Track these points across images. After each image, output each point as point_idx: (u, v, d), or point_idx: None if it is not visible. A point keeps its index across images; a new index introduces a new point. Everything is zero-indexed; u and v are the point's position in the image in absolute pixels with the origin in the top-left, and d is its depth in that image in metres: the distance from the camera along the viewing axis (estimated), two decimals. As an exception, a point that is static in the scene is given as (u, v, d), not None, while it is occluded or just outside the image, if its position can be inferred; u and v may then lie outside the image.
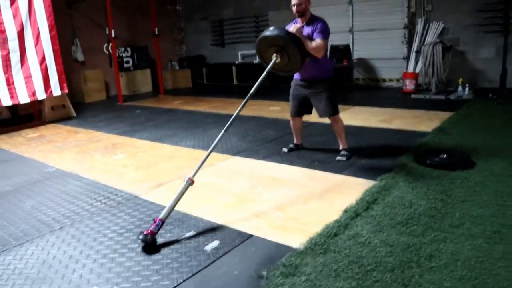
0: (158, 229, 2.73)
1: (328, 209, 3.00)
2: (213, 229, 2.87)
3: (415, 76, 7.57)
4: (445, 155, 3.81)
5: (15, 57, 6.31)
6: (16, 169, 4.60)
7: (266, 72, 3.57)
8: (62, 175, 4.30)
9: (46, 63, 6.66)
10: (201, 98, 9.13)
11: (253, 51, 10.54)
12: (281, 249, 2.51)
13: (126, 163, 4.57)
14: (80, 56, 9.82)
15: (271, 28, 3.59)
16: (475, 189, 3.15)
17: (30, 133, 6.49)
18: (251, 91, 3.48)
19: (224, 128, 3.33)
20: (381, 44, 8.50)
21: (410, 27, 8.07)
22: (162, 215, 2.80)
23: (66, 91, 7.11)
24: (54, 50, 6.73)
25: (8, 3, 6.18)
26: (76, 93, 9.69)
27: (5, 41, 6.18)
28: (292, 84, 4.32)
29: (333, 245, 2.47)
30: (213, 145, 3.25)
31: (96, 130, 6.42)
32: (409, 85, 7.59)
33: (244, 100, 3.43)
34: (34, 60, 6.51)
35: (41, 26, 6.54)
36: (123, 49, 10.38)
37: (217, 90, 10.19)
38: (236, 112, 3.37)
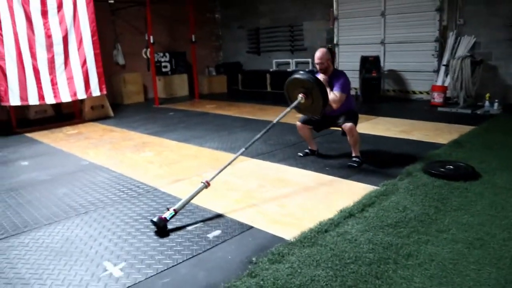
0: (171, 218, 3.05)
1: (326, 209, 3.20)
2: (218, 220, 3.15)
3: (443, 89, 7.56)
4: (451, 166, 3.91)
5: (59, 59, 6.93)
6: (54, 162, 5.11)
7: (290, 108, 4.01)
8: (94, 168, 4.75)
9: (87, 66, 7.25)
10: (233, 103, 9.49)
11: (287, 60, 10.87)
12: (274, 240, 2.76)
13: (152, 160, 4.96)
14: (121, 60, 10.48)
15: (302, 72, 4.06)
16: (472, 199, 3.25)
17: (70, 130, 7.08)
18: (274, 121, 3.89)
19: (245, 147, 3.66)
20: (412, 57, 8.53)
21: (441, 41, 8.06)
22: (176, 206, 3.12)
23: (105, 92, 7.67)
24: (95, 54, 7.32)
25: (56, 10, 6.82)
26: (116, 95, 10.38)
27: (51, 45, 6.82)
28: None
29: (321, 240, 2.68)
30: (232, 158, 3.55)
31: (130, 129, 6.90)
32: (437, 98, 7.58)
33: (265, 130, 3.83)
34: (76, 62, 7.11)
35: (84, 32, 7.15)
36: (162, 54, 10.96)
37: (250, 96, 10.53)
38: (257, 136, 3.70)
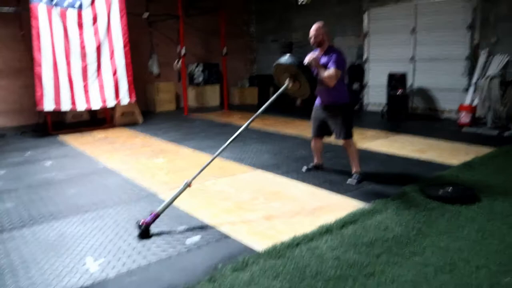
0: (152, 221, 3.21)
1: (309, 224, 3.23)
2: (201, 228, 3.27)
3: (471, 109, 7.29)
4: (450, 189, 3.81)
5: (92, 68, 7.40)
6: (74, 163, 5.46)
7: (278, 94, 3.95)
8: (107, 171, 5.03)
9: (118, 75, 7.68)
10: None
11: (316, 74, 10.86)
12: (246, 250, 2.83)
13: (162, 167, 5.18)
14: (155, 70, 10.94)
15: (286, 56, 3.94)
16: (461, 224, 3.16)
17: (98, 134, 7.51)
18: (261, 109, 3.86)
19: (222, 147, 3.72)
20: (442, 75, 8.30)
21: (472, 59, 7.79)
22: (158, 209, 3.28)
23: (134, 100, 8.06)
24: (126, 64, 7.75)
25: (91, 23, 7.32)
26: (149, 103, 10.86)
27: (85, 54, 7.31)
28: (314, 108, 4.60)
29: (289, 253, 2.73)
30: (210, 159, 3.65)
31: (152, 136, 7.22)
32: (465, 117, 7.32)
33: (248, 122, 3.82)
34: (108, 71, 7.56)
35: (116, 43, 7.59)
36: (195, 66, 11.34)
37: (278, 109, 10.56)
38: (238, 132, 3.76)
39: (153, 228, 3.22)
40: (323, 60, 4.16)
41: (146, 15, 9.49)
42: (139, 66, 10.51)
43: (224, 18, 10.38)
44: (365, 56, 9.68)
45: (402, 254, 2.69)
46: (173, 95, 11.09)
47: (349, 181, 4.30)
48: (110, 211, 3.69)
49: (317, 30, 4.12)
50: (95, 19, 7.36)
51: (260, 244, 2.92)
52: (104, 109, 8.53)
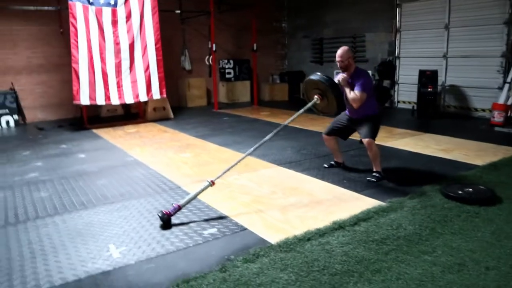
0: (174, 213, 3.38)
1: (322, 219, 3.30)
2: (220, 220, 3.41)
3: (504, 108, 7.05)
4: (470, 189, 3.76)
5: (125, 64, 7.71)
6: (106, 156, 5.75)
7: (305, 109, 4.18)
8: (135, 164, 5.27)
9: (149, 71, 7.96)
10: (288, 111, 9.66)
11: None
12: (259, 243, 2.94)
13: (187, 161, 5.37)
14: (187, 65, 11.21)
15: (318, 73, 4.13)
16: (478, 224, 3.13)
17: (130, 129, 7.82)
18: (285, 122, 4.08)
19: (252, 149, 3.82)
20: (475, 72, 8.05)
21: (509, 56, 7.52)
22: (181, 202, 3.45)
23: (165, 95, 8.33)
24: (157, 60, 8.01)
25: (124, 20, 7.62)
26: (181, 98, 11.14)
27: (118, 51, 7.61)
28: (343, 113, 4.62)
29: (300, 247, 2.82)
30: (238, 159, 3.77)
31: (181, 131, 7.44)
32: (498, 117, 7.09)
33: (274, 131, 4.08)
34: (140, 67, 7.85)
35: (149, 40, 7.86)
36: (226, 61, 11.51)
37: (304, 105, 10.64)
38: (266, 138, 3.91)
39: (174, 220, 3.39)
40: (351, 81, 4.25)
41: (178, 11, 9.72)
42: (171, 62, 10.81)
43: (255, 14, 10.46)
44: (396, 53, 9.51)
45: (411, 253, 2.72)
46: (204, 90, 11.32)
47: (369, 178, 4.32)
48: (135, 202, 3.90)
49: (342, 55, 4.20)
50: (128, 17, 7.65)
51: (273, 237, 3.02)
52: (137, 104, 8.87)
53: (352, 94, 4.16)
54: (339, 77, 4.25)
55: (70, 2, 7.11)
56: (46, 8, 8.08)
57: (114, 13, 7.51)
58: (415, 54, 9.08)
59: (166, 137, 6.96)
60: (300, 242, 2.88)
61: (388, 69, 9.48)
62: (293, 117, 4.16)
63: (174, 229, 3.28)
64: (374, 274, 2.46)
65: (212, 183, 3.59)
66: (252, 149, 3.97)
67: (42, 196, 4.14)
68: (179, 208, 3.43)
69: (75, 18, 7.16)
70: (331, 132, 4.65)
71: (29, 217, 3.60)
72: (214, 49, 9.83)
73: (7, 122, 8.40)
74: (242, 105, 11.03)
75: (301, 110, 4.13)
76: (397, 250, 2.76)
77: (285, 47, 13.14)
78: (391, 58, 9.60)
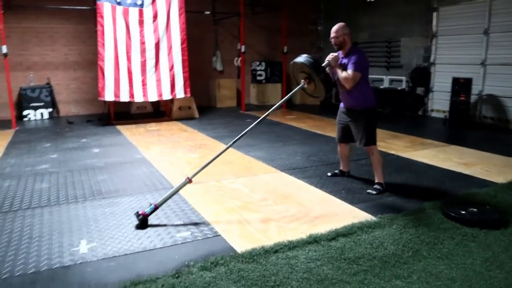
0: (151, 213, 3.34)
1: (302, 231, 3.13)
2: (198, 224, 3.34)
3: (545, 122, 6.44)
4: (474, 209, 3.43)
5: (150, 63, 7.85)
6: (117, 152, 5.86)
7: (292, 93, 4.00)
8: (142, 161, 5.33)
9: (174, 70, 8.06)
10: (313, 116, 9.47)
11: (382, 76, 10.41)
12: (226, 251, 2.83)
13: (192, 161, 5.34)
14: (219, 66, 11.27)
15: (304, 55, 3.81)
16: (472, 250, 2.83)
17: (152, 126, 7.95)
18: (271, 110, 3.85)
19: (231, 143, 3.72)
20: (518, 82, 7.44)
21: (555, 65, 6.87)
22: (158, 202, 3.41)
23: (189, 95, 8.40)
24: (182, 60, 8.09)
25: (151, 20, 7.76)
26: (211, 98, 11.21)
27: (144, 50, 7.77)
28: (338, 111, 4.43)
29: (263, 259, 2.67)
30: (215, 156, 3.68)
31: (200, 131, 7.46)
32: (537, 131, 6.49)
33: (255, 122, 3.84)
34: (165, 67, 7.97)
35: (174, 40, 7.96)
36: (258, 63, 11.45)
37: (336, 111, 10.34)
38: (245, 131, 3.77)
39: (154, 220, 3.36)
40: (344, 61, 3.98)
41: (208, 12, 9.79)
42: (203, 62, 10.93)
43: (290, 16, 10.33)
44: (431, 59, 9.01)
45: (382, 276, 2.50)
46: (234, 91, 11.32)
47: (369, 191, 4.07)
48: (125, 199, 3.91)
49: (337, 31, 3.96)
50: (155, 17, 7.80)
51: (242, 246, 2.90)
52: (165, 103, 9.02)
53: (344, 73, 3.87)
54: (329, 58, 3.96)
55: (98, 2, 7.36)
56: (81, 7, 8.42)
57: (141, 13, 7.68)
58: (452, 61, 8.54)
59: (183, 136, 7.00)
60: (266, 254, 2.74)
61: (422, 75, 8.99)
62: (276, 105, 4.03)
63: (149, 229, 3.24)
64: (330, 295, 2.28)
65: (189, 181, 3.51)
66: (230, 144, 3.91)
67: (42, 187, 4.26)
68: (156, 208, 3.39)
69: (102, 18, 7.39)
70: (342, 138, 4.40)
71: (21, 207, 3.72)
72: (243, 50, 9.79)
73: (42, 115, 8.84)
74: (270, 108, 10.86)
75: (288, 96, 4.01)
76: (368, 271, 2.54)
77: (321, 50, 12.87)
78: (426, 64, 9.09)
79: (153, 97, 8.01)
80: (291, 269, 2.56)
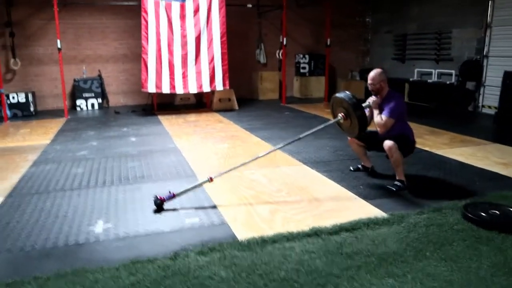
0: (168, 199, 3.52)
1: (307, 224, 3.13)
2: (208, 210, 3.45)
3: None
4: (497, 211, 3.24)
5: (191, 56, 8.10)
6: (152, 141, 6.14)
7: (325, 125, 4.08)
8: (172, 150, 5.55)
9: (214, 63, 8.24)
10: (355, 110, 9.26)
11: (430, 70, 9.97)
12: (228, 238, 2.92)
13: (219, 152, 5.48)
14: (262, 59, 11.33)
15: (346, 91, 3.87)
16: (481, 253, 2.68)
17: (191, 117, 8.22)
18: (301, 136, 4.05)
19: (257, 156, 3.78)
20: None
21: None
22: (177, 192, 3.58)
23: (228, 87, 8.58)
24: (222, 53, 8.26)
25: (192, 14, 7.99)
26: (253, 91, 11.32)
27: (185, 43, 8.02)
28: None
29: (259, 247, 2.73)
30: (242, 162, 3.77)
31: (235, 123, 7.59)
32: None
33: (288, 141, 4.06)
34: (205, 60, 8.18)
35: (215, 33, 8.14)
36: (302, 56, 11.37)
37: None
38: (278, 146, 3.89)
39: (168, 204, 3.53)
40: (382, 105, 3.99)
41: (251, 6, 9.87)
42: (247, 55, 11.06)
43: (331, 8, 10.15)
44: (485, 51, 8.45)
45: (375, 273, 2.46)
46: (277, 84, 11.34)
47: (389, 186, 3.97)
48: (147, 185, 4.12)
49: (374, 78, 3.97)
50: (196, 11, 8.01)
51: (245, 234, 2.97)
52: (207, 94, 9.27)
53: (378, 118, 3.97)
54: (370, 100, 4.07)
55: (142, -2, 7.71)
56: (129, 3, 8.84)
57: (182, 8, 7.92)
58: (507, 53, 7.96)
59: (217, 127, 7.17)
60: (263, 243, 2.79)
61: (473, 69, 8.47)
62: (306, 133, 4.04)
63: (163, 213, 3.41)
64: (315, 288, 2.29)
65: (210, 180, 3.64)
66: (253, 158, 3.94)
67: (77, 172, 4.60)
68: (174, 196, 3.55)
69: (146, 13, 7.73)
70: (358, 137, 4.34)
71: (55, 189, 4.05)
72: (284, 43, 9.78)
73: (92, 105, 9.43)
74: (313, 101, 10.80)
75: (320, 126, 4.05)
76: (362, 267, 2.51)
77: (368, 42, 12.51)
78: (478, 57, 8.55)
79: (193, 89, 8.27)
80: (284, 259, 2.59)
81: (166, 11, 7.85)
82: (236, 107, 9.35)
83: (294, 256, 2.63)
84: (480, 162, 4.86)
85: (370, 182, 4.19)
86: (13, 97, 8.35)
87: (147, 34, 7.79)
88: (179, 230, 3.09)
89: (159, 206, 3.48)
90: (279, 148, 4.12)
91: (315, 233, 2.94)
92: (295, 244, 2.79)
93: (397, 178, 4.02)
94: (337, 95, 3.87)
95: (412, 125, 6.95)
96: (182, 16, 7.96)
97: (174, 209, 3.48)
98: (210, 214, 3.38)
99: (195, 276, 2.41)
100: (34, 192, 3.95)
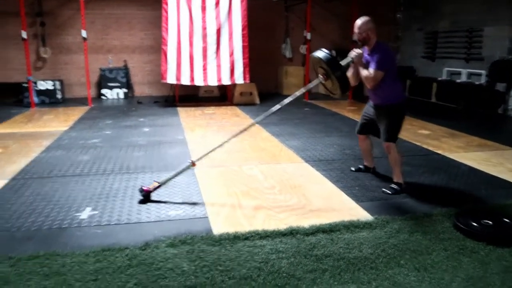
0: (153, 190, 3.57)
1: (288, 223, 3.09)
2: (194, 204, 3.48)
3: None
4: (491, 222, 3.07)
5: (211, 49, 8.15)
6: (163, 132, 6.25)
7: (307, 87, 3.92)
8: (180, 142, 5.63)
9: (234, 56, 8.26)
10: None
11: (460, 69, 9.53)
12: (203, 232, 2.93)
13: (225, 145, 5.43)
14: (288, 53, 11.23)
15: (323, 50, 3.61)
16: (460, 266, 2.55)
17: (209, 110, 8.28)
18: (276, 106, 3.95)
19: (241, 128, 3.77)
20: None
21: None
22: (161, 180, 3.62)
23: (248, 81, 8.57)
24: (243, 46, 8.26)
25: (213, 7, 8.02)
26: (278, 85, 11.25)
27: (206, 36, 8.08)
28: (366, 104, 4.23)
29: (229, 243, 2.73)
30: (219, 144, 3.79)
31: (252, 117, 7.58)
32: None
33: (274, 109, 3.99)
34: (225, 52, 8.21)
35: (236, 26, 8.15)
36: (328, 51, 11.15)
37: (408, 105, 9.71)
38: (248, 125, 3.77)
39: (157, 196, 3.59)
40: (367, 58, 3.76)
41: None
42: (273, 49, 11.00)
43: (360, 3, 9.88)
44: (519, 51, 7.97)
45: (339, 278, 2.39)
46: (301, 79, 11.17)
47: (384, 190, 3.84)
48: (144, 176, 4.21)
49: (360, 27, 3.71)
50: (217, 3, 8.05)
51: (221, 229, 2.98)
52: (229, 88, 9.32)
53: (365, 72, 3.66)
54: (352, 54, 3.76)
55: (163, -11, 7.82)
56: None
57: (203, 0, 7.96)
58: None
59: (232, 121, 7.20)
60: (234, 239, 2.79)
61: (504, 70, 8.01)
62: (287, 99, 3.89)
63: (149, 204, 3.47)
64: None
65: (192, 164, 3.66)
66: (233, 135, 3.98)
67: (82, 159, 4.76)
68: (159, 185, 3.60)
69: (167, 4, 7.84)
70: (362, 129, 4.23)
71: (57, 174, 4.21)
72: (309, 37, 9.64)
73: (117, 94, 9.70)
74: (336, 98, 10.57)
75: (302, 89, 3.89)
76: (327, 271, 2.46)
77: (399, 39, 12.09)
78: (510, 57, 8.07)
79: (213, 81, 8.33)
80: (250, 257, 2.57)
81: (187, 2, 7.93)
82: (257, 101, 9.33)
83: (261, 255, 2.60)
84: (492, 168, 4.61)
85: (368, 183, 4.08)
86: (41, 85, 8.72)
87: (167, 25, 7.91)
88: (159, 222, 3.14)
89: (145, 196, 3.53)
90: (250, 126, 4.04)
91: (291, 232, 2.91)
92: (266, 243, 2.76)
93: (394, 180, 3.89)
94: (314, 53, 3.59)
95: (432, 126, 6.75)
96: (203, 8, 8.02)
97: (162, 202, 3.53)
98: (195, 208, 3.41)
99: (158, 267, 2.44)
100: (37, 176, 4.13)
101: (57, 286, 2.26)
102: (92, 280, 2.32)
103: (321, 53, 3.57)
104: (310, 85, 3.93)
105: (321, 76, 3.69)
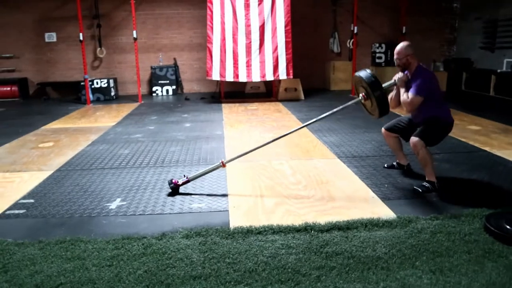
0: (182, 184, 3.71)
1: (305, 219, 3.06)
2: (218, 197, 3.57)
3: None
4: (524, 225, 2.83)
5: (255, 45, 8.22)
6: (203, 127, 6.42)
7: (346, 105, 3.91)
8: (217, 137, 5.76)
9: (277, 52, 8.27)
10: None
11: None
12: (220, 225, 2.99)
13: (261, 141, 5.34)
14: (336, 48, 11.01)
15: (367, 70, 3.59)
16: (483, 270, 2.37)
17: (253, 106, 8.37)
18: (314, 119, 4.06)
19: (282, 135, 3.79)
20: None
21: None
22: (190, 176, 3.75)
23: (291, 76, 8.54)
24: (286, 42, 8.24)
25: (257, 3, 8.09)
26: (325, 81, 11.09)
27: (249, 32, 8.16)
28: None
29: (241, 237, 2.76)
30: (259, 145, 3.81)
31: (293, 113, 7.56)
32: None
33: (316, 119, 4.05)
34: (269, 48, 8.25)
35: (279, 22, 8.14)
36: (378, 45, 10.81)
37: (461, 99, 9.17)
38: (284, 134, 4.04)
39: (183, 189, 3.72)
40: (410, 83, 3.67)
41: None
42: (320, 44, 10.86)
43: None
44: None
45: (347, 276, 2.33)
46: (349, 74, 10.91)
47: (415, 187, 3.68)
48: (176, 169, 4.37)
49: (399, 52, 3.66)
50: (260, 0, 8.08)
51: (238, 223, 3.02)
52: (275, 84, 9.37)
53: (404, 96, 3.64)
54: (396, 77, 3.75)
55: (207, -12, 7.99)
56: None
57: (247, -3, 8.06)
58: None
59: (273, 117, 7.22)
60: (247, 233, 2.82)
61: None
62: (325, 114, 3.94)
63: (176, 197, 3.61)
64: (273, 285, 2.27)
65: (223, 165, 3.74)
66: (273, 139, 3.95)
67: (123, 153, 5.04)
68: (188, 181, 3.72)
69: (211, 3, 8.02)
70: (392, 129, 4.09)
71: (97, 167, 4.50)
72: (356, 31, 9.39)
73: (167, 91, 10.10)
74: (387, 93, 10.21)
75: (340, 107, 3.89)
76: (335, 269, 2.41)
77: (455, 30, 11.39)
78: None
79: (256, 77, 8.40)
80: (259, 251, 2.59)
81: (231, 1, 8.05)
82: (302, 97, 9.27)
83: (270, 249, 2.61)
84: (545, 168, 4.24)
85: (400, 181, 3.92)
86: (97, 83, 9.30)
87: (212, 24, 8.09)
88: (180, 214, 3.25)
89: (174, 189, 3.67)
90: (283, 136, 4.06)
91: (305, 228, 2.88)
92: (278, 238, 2.77)
93: (426, 178, 3.71)
94: (357, 73, 3.61)
95: (484, 121, 6.36)
96: (247, 5, 8.10)
97: (188, 194, 3.65)
98: (218, 201, 3.48)
99: (169, 257, 2.54)
100: (79, 168, 4.44)
101: (75, 269, 2.43)
102: (107, 265, 2.46)
103: (363, 73, 3.58)
104: (349, 103, 3.87)
105: (361, 95, 3.65)
